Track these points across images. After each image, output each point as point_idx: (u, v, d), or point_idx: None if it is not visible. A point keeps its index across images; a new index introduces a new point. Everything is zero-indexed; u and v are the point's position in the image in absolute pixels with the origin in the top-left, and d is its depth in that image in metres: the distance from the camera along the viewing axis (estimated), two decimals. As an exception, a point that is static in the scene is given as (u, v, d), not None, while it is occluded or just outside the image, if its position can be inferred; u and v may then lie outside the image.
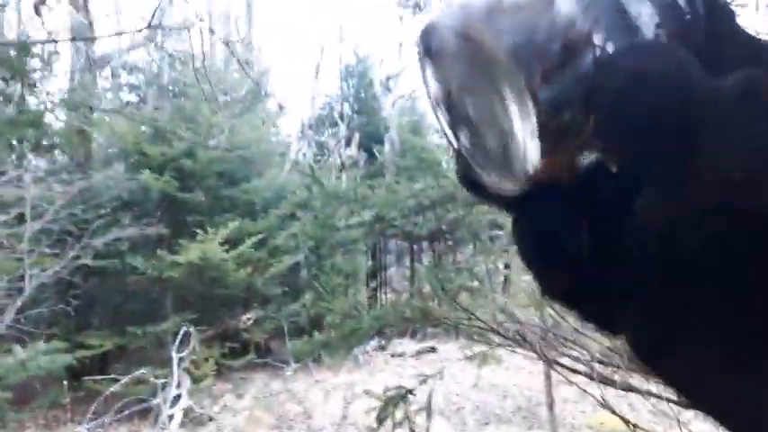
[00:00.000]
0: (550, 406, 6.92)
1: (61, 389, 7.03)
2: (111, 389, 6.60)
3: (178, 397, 6.99)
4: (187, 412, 7.24)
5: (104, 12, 11.23)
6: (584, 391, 2.93)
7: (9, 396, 6.27)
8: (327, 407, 7.98)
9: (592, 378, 2.83)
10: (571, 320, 3.07)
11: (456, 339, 9.27)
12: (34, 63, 7.11)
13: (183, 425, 7.16)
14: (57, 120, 8.91)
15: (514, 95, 0.24)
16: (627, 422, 2.84)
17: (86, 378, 7.16)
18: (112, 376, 7.14)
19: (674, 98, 0.21)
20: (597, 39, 0.24)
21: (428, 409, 3.54)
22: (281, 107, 10.64)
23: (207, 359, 7.44)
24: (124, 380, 6.31)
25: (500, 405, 7.98)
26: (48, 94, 8.01)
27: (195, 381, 7.37)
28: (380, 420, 3.11)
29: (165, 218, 8.51)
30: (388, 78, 13.76)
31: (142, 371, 6.39)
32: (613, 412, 2.86)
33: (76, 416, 7.26)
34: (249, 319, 8.39)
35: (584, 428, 7.24)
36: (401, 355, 10.06)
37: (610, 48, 0.24)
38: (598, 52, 0.24)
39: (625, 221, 0.24)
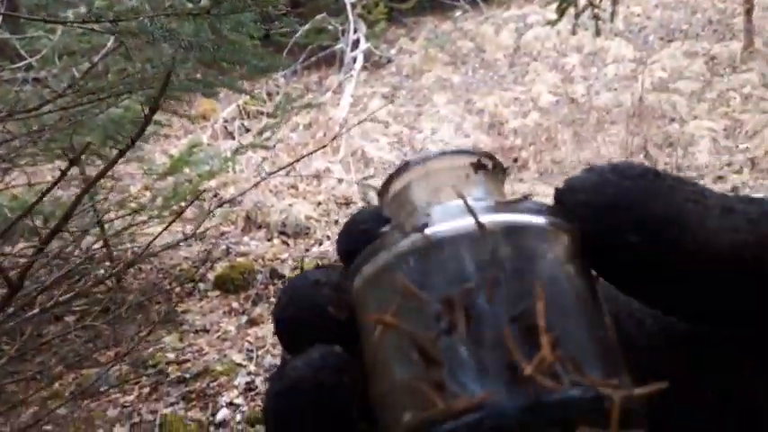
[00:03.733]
0: (748, 11, 6.59)
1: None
2: (296, 37, 7.52)
3: (357, 42, 7.79)
4: (368, 56, 8.12)
5: None
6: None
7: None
8: (499, 40, 8.35)
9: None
10: None
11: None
12: None
13: (365, 68, 8.13)
14: None
15: None
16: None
17: (272, 32, 8.14)
18: (295, 20, 8.01)
19: None
20: None
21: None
22: None
23: (377, 3, 7.93)
24: (306, 26, 7.12)
25: (687, 20, 7.73)
26: None
27: (370, 26, 8.02)
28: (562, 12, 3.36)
29: None
30: None
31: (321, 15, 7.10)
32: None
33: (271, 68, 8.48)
34: None
35: (787, 36, 6.90)
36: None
37: None
38: None
39: None
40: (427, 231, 0.20)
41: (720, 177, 5.36)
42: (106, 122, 1.70)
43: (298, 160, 2.38)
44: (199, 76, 1.67)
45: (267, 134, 2.56)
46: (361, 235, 0.24)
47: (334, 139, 2.32)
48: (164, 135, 7.08)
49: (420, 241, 0.20)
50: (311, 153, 2.48)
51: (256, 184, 2.34)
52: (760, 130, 5.80)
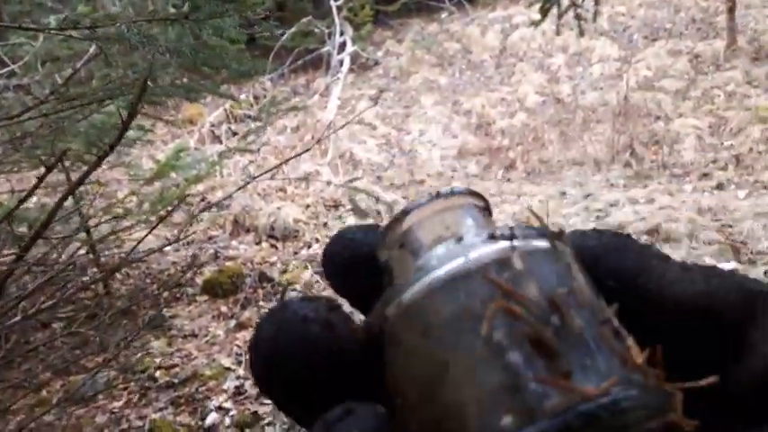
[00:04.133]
0: (731, 9, 6.67)
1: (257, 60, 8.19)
2: (282, 41, 7.54)
3: (344, 44, 7.81)
4: (355, 59, 8.14)
5: None
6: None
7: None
8: (486, 41, 8.40)
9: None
10: None
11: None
12: None
13: (352, 70, 8.16)
14: None
15: None
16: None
17: (257, 35, 8.15)
18: (282, 31, 8.03)
19: None
20: None
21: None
22: None
23: (363, 6, 7.96)
24: (292, 29, 7.13)
25: (671, 19, 7.81)
26: None
27: (356, 28, 8.05)
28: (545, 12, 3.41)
29: None
30: None
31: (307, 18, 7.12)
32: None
33: (258, 72, 8.47)
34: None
35: (769, 34, 6.99)
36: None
37: None
38: None
39: None
40: (514, 243, 0.21)
41: (706, 174, 5.42)
42: (88, 128, 1.71)
43: (283, 163, 2.39)
44: (181, 81, 1.68)
45: (252, 137, 2.57)
46: (355, 254, 0.25)
47: (319, 141, 2.33)
48: (150, 141, 7.06)
49: (504, 251, 0.20)
50: (297, 155, 2.50)
51: (242, 187, 2.36)
52: (744, 127, 5.87)
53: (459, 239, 0.21)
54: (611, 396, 0.17)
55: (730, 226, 4.39)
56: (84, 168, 3.87)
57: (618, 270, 0.23)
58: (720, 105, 6.38)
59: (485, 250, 0.21)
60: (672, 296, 0.22)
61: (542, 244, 0.21)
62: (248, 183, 2.34)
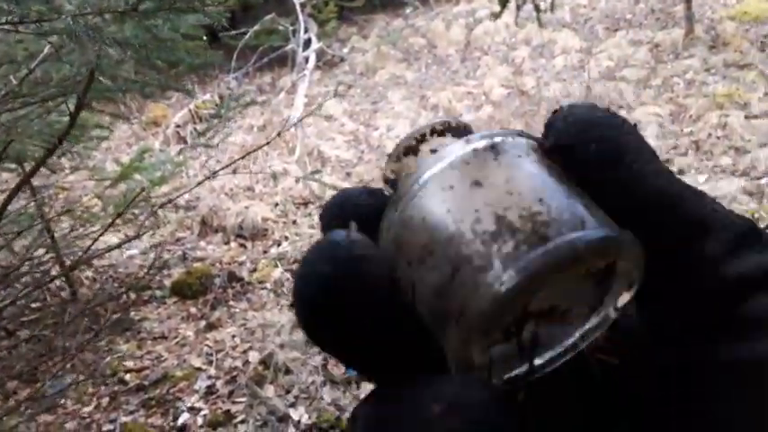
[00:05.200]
0: (688, 0, 6.83)
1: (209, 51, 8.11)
2: (245, 39, 7.50)
3: (308, 41, 7.80)
4: (320, 56, 8.13)
5: None
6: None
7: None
8: (450, 35, 8.46)
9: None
10: None
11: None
12: None
13: (318, 67, 8.15)
14: None
15: None
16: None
17: (223, 34, 8.10)
18: (243, 30, 7.99)
19: None
20: None
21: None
22: None
23: (327, 2, 7.95)
24: (255, 27, 7.10)
25: (631, 10, 7.96)
26: None
27: (321, 25, 8.04)
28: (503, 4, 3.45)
29: None
30: None
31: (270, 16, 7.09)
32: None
33: (223, 71, 8.43)
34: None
35: (726, 21, 7.18)
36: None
37: None
38: None
39: None
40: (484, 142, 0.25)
41: (667, 161, 5.55)
42: (43, 128, 1.70)
43: (245, 156, 2.40)
44: (137, 77, 1.68)
45: (212, 133, 2.57)
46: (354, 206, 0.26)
47: (279, 134, 2.34)
48: (111, 142, 6.97)
49: (475, 151, 0.25)
50: (257, 148, 2.51)
51: (202, 182, 2.35)
52: (703, 114, 6.03)
53: (439, 150, 0.26)
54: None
55: (691, 210, 4.51)
56: (46, 172, 3.81)
57: (603, 138, 0.25)
58: (680, 93, 6.53)
59: (460, 151, 0.24)
60: (639, 187, 0.24)
61: (504, 140, 0.25)
62: (208, 178, 2.34)
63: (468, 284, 0.21)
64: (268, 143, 2.33)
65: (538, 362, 0.24)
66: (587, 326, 0.25)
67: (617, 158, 0.25)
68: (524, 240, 0.21)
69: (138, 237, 2.11)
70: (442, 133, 0.29)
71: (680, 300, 0.24)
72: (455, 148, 0.25)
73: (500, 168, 0.24)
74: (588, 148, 0.25)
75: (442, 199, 0.23)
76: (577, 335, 0.25)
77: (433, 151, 0.28)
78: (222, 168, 2.23)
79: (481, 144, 0.25)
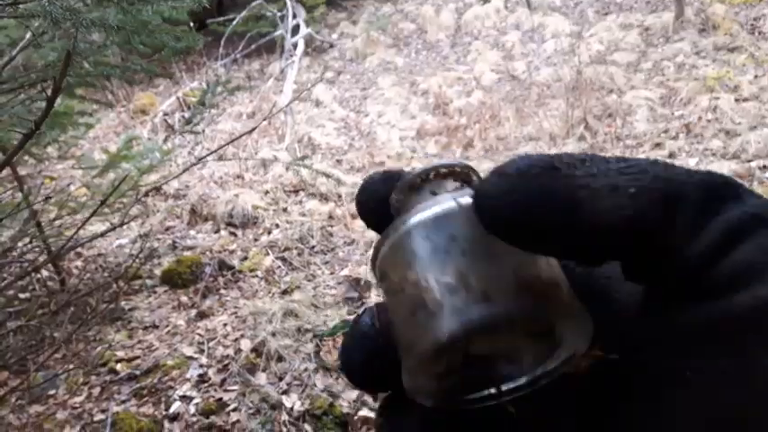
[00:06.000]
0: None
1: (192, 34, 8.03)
2: (233, 26, 7.42)
3: (297, 27, 7.73)
4: (309, 42, 8.07)
5: None
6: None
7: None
8: (440, 20, 8.41)
9: None
10: None
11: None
12: None
13: (307, 54, 8.09)
14: None
15: None
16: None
17: (210, 20, 8.02)
18: (231, 16, 7.91)
19: None
20: None
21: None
22: None
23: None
24: (243, 13, 7.03)
25: None
26: None
27: (309, 10, 7.97)
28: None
29: None
30: None
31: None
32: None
33: (211, 59, 8.36)
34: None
35: (715, 4, 7.18)
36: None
37: None
38: None
39: None
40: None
41: (658, 144, 5.57)
42: (27, 114, 1.67)
43: (232, 141, 2.38)
44: (118, 62, 1.66)
45: (198, 119, 2.55)
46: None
47: (266, 119, 2.32)
48: (96, 131, 6.90)
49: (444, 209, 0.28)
50: (244, 134, 2.48)
51: (189, 168, 2.33)
52: (693, 97, 6.04)
53: (437, 193, 0.30)
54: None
55: (681, 193, 4.53)
56: (32, 162, 3.77)
57: (547, 210, 0.25)
58: (670, 76, 6.54)
59: (447, 204, 0.27)
60: (604, 225, 0.24)
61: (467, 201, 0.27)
62: (195, 164, 2.31)
63: (421, 325, 0.25)
64: (256, 128, 2.31)
65: (504, 387, 0.28)
66: (523, 379, 0.28)
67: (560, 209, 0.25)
68: (473, 299, 0.25)
69: (124, 224, 2.09)
70: (445, 176, 0.31)
71: (658, 273, 0.25)
72: (444, 199, 0.27)
73: (474, 228, 0.26)
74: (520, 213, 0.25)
75: (420, 246, 0.27)
76: (525, 380, 0.28)
77: (433, 193, 0.30)
78: (210, 153, 2.20)
79: (464, 202, 0.27)
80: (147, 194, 2.33)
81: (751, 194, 0.25)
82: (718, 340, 0.22)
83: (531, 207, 0.24)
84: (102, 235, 2.08)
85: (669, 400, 0.23)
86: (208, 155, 2.17)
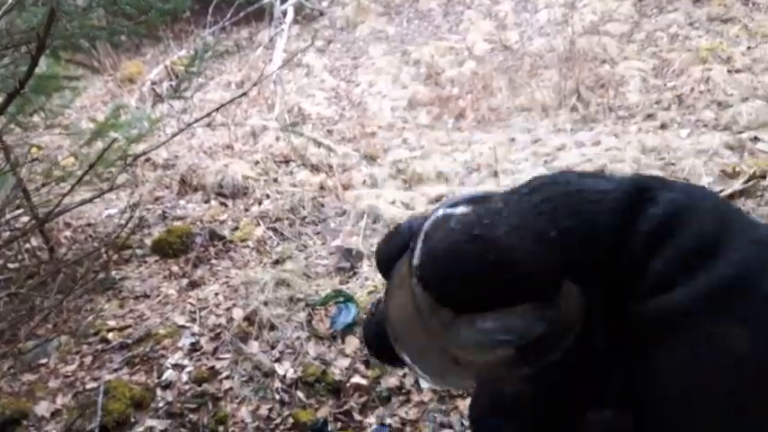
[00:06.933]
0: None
1: None
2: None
3: (287, -6, 7.59)
4: (299, 10, 7.95)
5: None
6: None
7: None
8: (433, -12, 8.28)
9: None
10: None
11: None
12: None
13: (296, 22, 7.97)
14: None
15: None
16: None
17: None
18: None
19: None
20: None
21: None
22: None
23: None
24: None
25: (616, -39, 7.83)
26: None
27: (299, -23, 7.81)
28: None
29: None
30: None
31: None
32: None
33: (199, 26, 8.21)
34: None
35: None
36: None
37: None
38: None
39: None
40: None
41: (650, 115, 5.56)
42: (10, 78, 1.64)
43: (220, 107, 2.35)
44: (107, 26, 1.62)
45: (186, 84, 2.51)
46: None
47: (256, 84, 2.29)
48: (88, 101, 6.81)
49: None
50: (231, 101, 2.45)
51: (176, 134, 2.31)
52: (686, 68, 6.02)
53: None
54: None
55: (673, 164, 4.55)
56: (17, 130, 3.71)
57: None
58: (664, 47, 6.51)
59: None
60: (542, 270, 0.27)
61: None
62: (184, 129, 2.29)
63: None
64: (246, 93, 2.28)
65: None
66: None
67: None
68: None
69: (113, 189, 2.07)
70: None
71: (609, 279, 0.27)
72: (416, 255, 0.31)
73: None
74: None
75: (396, 292, 0.33)
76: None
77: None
78: (200, 119, 2.18)
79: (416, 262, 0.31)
80: (135, 160, 2.30)
81: (670, 189, 0.26)
82: (661, 335, 0.25)
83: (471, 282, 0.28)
84: (92, 200, 2.06)
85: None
86: (197, 119, 2.15)
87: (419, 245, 0.30)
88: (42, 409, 2.82)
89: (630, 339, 0.26)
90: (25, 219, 3.57)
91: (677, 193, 0.26)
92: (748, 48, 6.16)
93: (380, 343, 0.35)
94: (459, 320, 0.28)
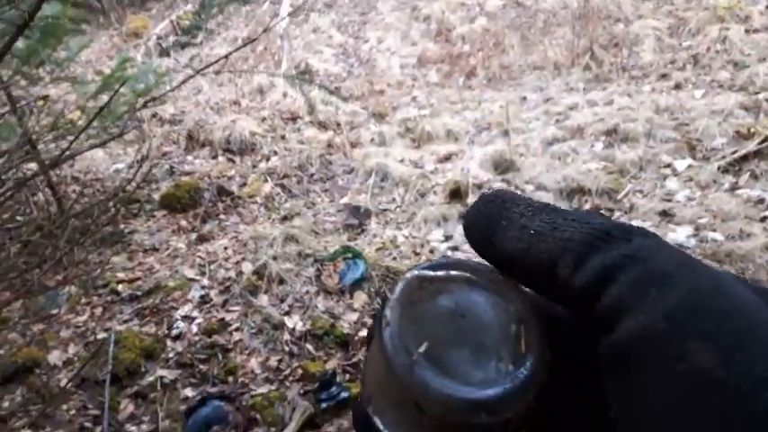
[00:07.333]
0: None
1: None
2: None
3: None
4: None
5: None
6: None
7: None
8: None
9: None
10: None
11: None
12: None
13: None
14: None
15: None
16: None
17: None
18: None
19: None
20: None
21: None
22: None
23: None
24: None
25: None
26: None
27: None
28: None
29: None
30: None
31: None
32: None
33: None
34: None
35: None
36: None
37: None
38: None
39: None
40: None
41: (664, 75, 5.47)
42: (17, 20, 1.60)
43: (228, 55, 2.31)
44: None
45: (193, 33, 2.46)
46: None
47: (265, 30, 2.24)
48: (94, 55, 6.73)
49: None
50: (236, 50, 2.41)
51: (184, 82, 2.27)
52: (702, 27, 5.89)
53: None
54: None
55: (686, 124, 4.48)
56: (24, 83, 3.67)
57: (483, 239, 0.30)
58: (680, 6, 6.36)
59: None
60: (521, 261, 0.28)
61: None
62: (192, 76, 2.25)
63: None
64: (253, 41, 2.24)
65: None
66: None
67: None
68: None
69: (122, 135, 2.05)
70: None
71: (570, 318, 0.28)
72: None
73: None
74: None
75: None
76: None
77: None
78: (207, 66, 2.15)
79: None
80: (145, 105, 2.28)
81: (643, 237, 0.27)
82: (614, 370, 0.25)
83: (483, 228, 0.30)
84: (102, 145, 2.04)
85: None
86: (206, 66, 2.11)
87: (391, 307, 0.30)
88: (54, 357, 2.85)
89: (594, 380, 0.27)
90: (33, 168, 3.56)
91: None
92: (767, 7, 6.00)
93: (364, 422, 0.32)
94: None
